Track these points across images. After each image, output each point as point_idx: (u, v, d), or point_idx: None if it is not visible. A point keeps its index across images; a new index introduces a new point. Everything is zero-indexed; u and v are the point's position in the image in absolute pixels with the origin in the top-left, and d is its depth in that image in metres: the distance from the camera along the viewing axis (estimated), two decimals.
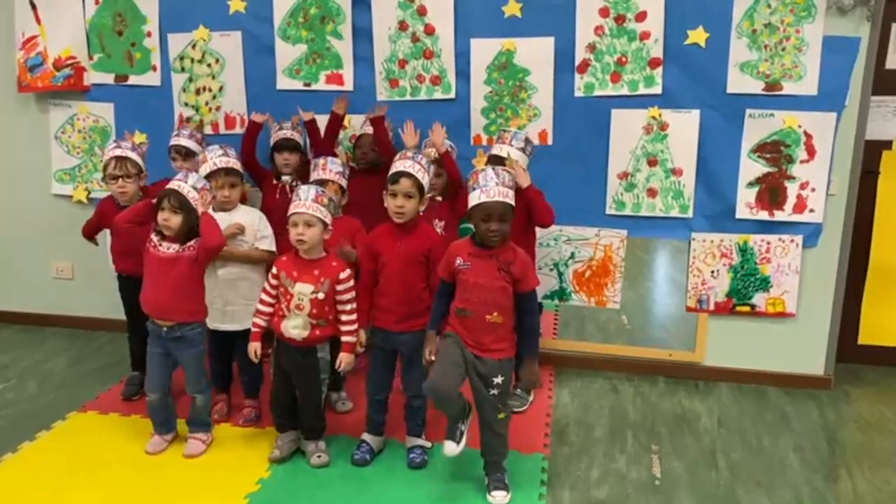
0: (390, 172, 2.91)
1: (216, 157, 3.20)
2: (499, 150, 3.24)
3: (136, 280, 3.34)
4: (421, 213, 2.96)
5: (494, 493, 2.76)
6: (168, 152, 3.61)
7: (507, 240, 2.67)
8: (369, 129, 3.63)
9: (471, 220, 2.67)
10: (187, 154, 3.57)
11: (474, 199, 2.63)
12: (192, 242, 2.92)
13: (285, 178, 3.59)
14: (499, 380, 2.69)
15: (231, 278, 3.20)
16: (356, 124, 3.87)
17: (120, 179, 3.31)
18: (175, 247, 2.92)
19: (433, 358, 2.75)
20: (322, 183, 3.11)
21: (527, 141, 3.28)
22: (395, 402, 3.12)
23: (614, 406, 3.63)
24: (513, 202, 2.63)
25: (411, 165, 2.88)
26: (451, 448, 2.72)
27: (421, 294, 2.92)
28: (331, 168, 3.21)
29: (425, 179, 2.89)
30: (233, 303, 3.21)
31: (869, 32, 3.46)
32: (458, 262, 2.68)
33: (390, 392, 3.08)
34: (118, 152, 3.31)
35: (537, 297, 2.72)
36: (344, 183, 3.25)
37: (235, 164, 3.24)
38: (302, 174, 3.54)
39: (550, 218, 3.29)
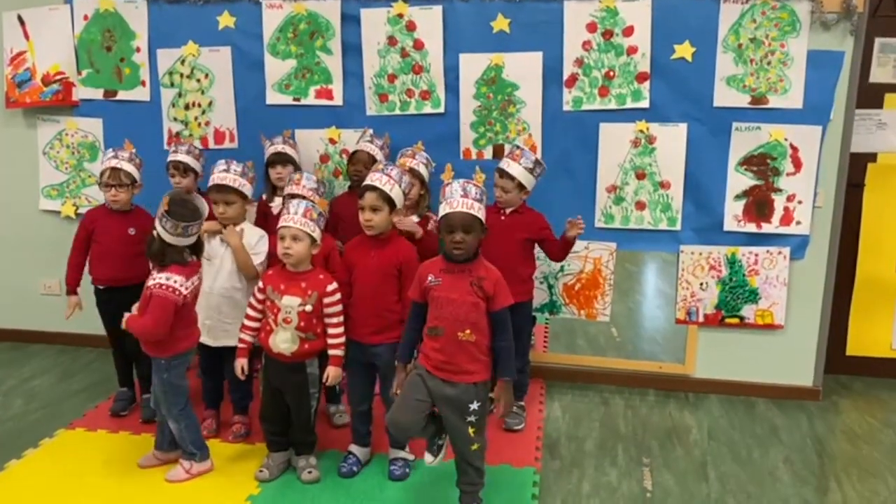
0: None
1: (216, 173, 3.17)
2: (506, 165, 3.25)
3: (115, 292, 3.36)
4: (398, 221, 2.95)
5: None
6: (166, 168, 3.61)
7: (479, 256, 2.63)
8: (364, 147, 3.60)
9: (440, 234, 2.64)
10: (186, 169, 3.56)
11: (441, 212, 2.61)
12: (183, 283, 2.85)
13: (278, 199, 3.54)
14: (475, 406, 2.61)
15: (224, 294, 3.17)
16: (346, 139, 3.88)
17: (113, 188, 3.34)
18: (188, 284, 2.86)
19: (398, 392, 2.73)
20: (295, 198, 3.08)
21: (536, 162, 3.25)
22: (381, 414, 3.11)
23: (605, 419, 3.63)
24: (479, 214, 2.58)
25: (378, 178, 2.87)
26: (429, 459, 2.72)
27: (393, 306, 2.92)
28: (305, 184, 3.17)
29: (395, 191, 2.86)
30: (225, 319, 3.18)
31: (853, 47, 3.51)
32: (430, 279, 2.62)
33: (372, 402, 3.08)
34: (114, 163, 3.35)
35: (509, 317, 2.64)
36: (317, 199, 3.22)
37: (234, 180, 3.14)
38: None
39: (565, 257, 3.48)
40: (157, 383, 2.94)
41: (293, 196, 3.09)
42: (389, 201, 2.86)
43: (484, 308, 2.59)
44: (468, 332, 2.58)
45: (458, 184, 2.62)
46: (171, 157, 3.60)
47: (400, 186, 2.90)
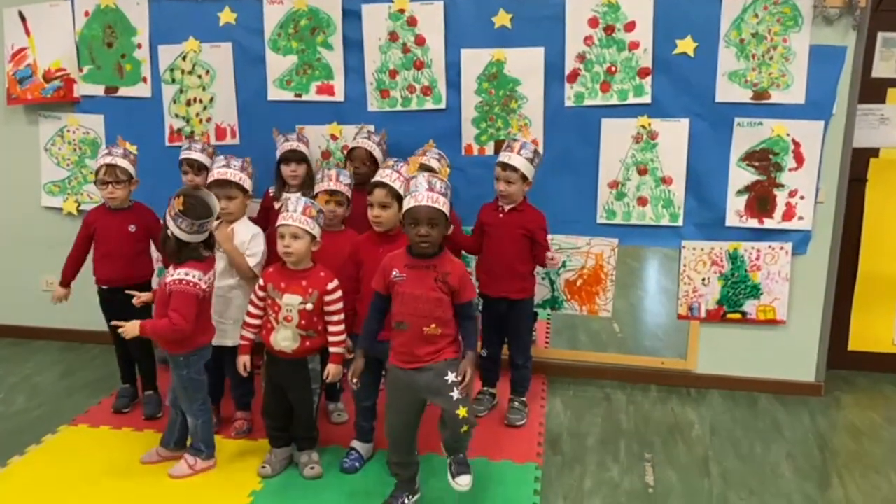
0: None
1: (216, 168, 3.19)
2: (507, 157, 3.24)
3: (117, 292, 3.36)
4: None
5: (459, 478, 2.65)
6: (179, 165, 3.60)
7: (444, 250, 2.63)
8: (361, 143, 3.60)
9: (404, 228, 2.63)
10: (200, 167, 3.55)
11: (406, 205, 2.60)
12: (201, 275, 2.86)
13: (285, 196, 3.52)
14: (452, 377, 2.58)
15: (223, 294, 3.15)
16: (347, 135, 3.87)
17: (110, 185, 3.33)
18: (207, 279, 2.88)
19: (355, 380, 2.73)
20: (333, 194, 3.10)
21: (535, 153, 3.27)
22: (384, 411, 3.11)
23: (607, 415, 3.63)
24: (444, 209, 2.57)
25: (388, 175, 2.88)
26: None
27: None
28: (341, 179, 3.18)
29: (404, 188, 2.85)
30: (219, 318, 3.15)
31: (855, 41, 3.50)
32: (394, 274, 2.62)
33: (376, 398, 3.09)
34: (108, 160, 3.33)
35: (476, 307, 2.66)
36: (350, 195, 3.21)
37: (234, 175, 3.16)
38: (309, 186, 3.46)
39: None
40: (176, 380, 2.95)
41: (332, 192, 3.11)
42: (398, 198, 2.85)
43: (449, 302, 2.59)
44: (433, 326, 2.58)
45: (424, 177, 2.61)
46: (185, 155, 3.59)
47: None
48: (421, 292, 2.58)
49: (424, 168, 3.29)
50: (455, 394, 2.60)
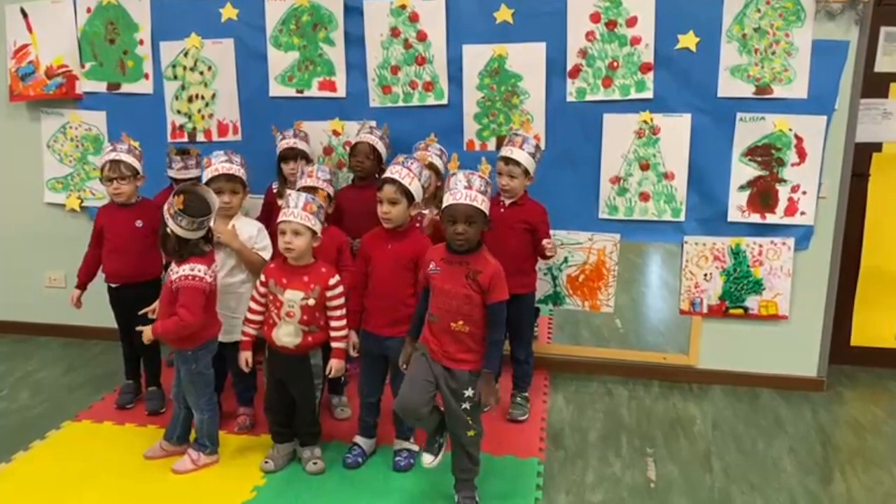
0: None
1: (219, 163, 3.16)
2: (509, 152, 3.25)
3: (126, 289, 3.38)
4: (423, 214, 2.95)
5: None
6: (172, 181, 3.57)
7: (481, 248, 2.63)
8: (364, 138, 3.58)
9: (442, 224, 2.64)
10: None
11: (444, 202, 2.61)
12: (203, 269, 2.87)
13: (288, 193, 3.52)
14: (469, 392, 2.62)
15: (234, 290, 3.15)
16: (349, 130, 3.88)
17: (115, 181, 3.33)
18: (211, 272, 2.89)
19: (405, 366, 2.74)
20: (310, 190, 3.08)
21: (537, 148, 3.28)
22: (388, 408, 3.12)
23: (609, 410, 3.64)
24: (482, 207, 2.57)
25: (398, 171, 2.87)
26: (427, 460, 2.73)
27: (407, 300, 2.91)
28: (319, 175, 3.17)
29: (414, 184, 2.86)
30: (232, 314, 3.15)
31: (857, 36, 3.49)
32: (431, 266, 2.65)
33: (381, 394, 3.09)
34: (112, 156, 3.33)
35: (504, 312, 2.62)
36: (331, 191, 3.21)
37: (238, 170, 3.18)
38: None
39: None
40: (184, 375, 2.95)
41: (309, 189, 3.09)
42: (408, 195, 2.85)
43: (479, 300, 2.59)
44: (461, 323, 2.59)
45: (463, 174, 2.61)
46: (183, 175, 3.51)
47: (419, 181, 2.89)
48: (451, 287, 2.59)
49: (430, 165, 3.31)
50: (465, 404, 2.63)
